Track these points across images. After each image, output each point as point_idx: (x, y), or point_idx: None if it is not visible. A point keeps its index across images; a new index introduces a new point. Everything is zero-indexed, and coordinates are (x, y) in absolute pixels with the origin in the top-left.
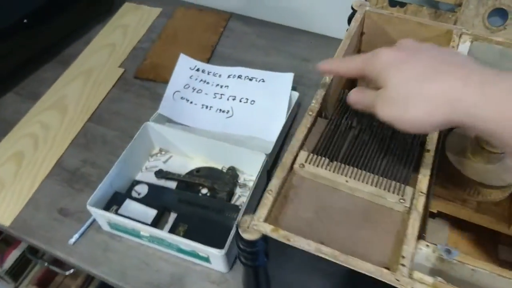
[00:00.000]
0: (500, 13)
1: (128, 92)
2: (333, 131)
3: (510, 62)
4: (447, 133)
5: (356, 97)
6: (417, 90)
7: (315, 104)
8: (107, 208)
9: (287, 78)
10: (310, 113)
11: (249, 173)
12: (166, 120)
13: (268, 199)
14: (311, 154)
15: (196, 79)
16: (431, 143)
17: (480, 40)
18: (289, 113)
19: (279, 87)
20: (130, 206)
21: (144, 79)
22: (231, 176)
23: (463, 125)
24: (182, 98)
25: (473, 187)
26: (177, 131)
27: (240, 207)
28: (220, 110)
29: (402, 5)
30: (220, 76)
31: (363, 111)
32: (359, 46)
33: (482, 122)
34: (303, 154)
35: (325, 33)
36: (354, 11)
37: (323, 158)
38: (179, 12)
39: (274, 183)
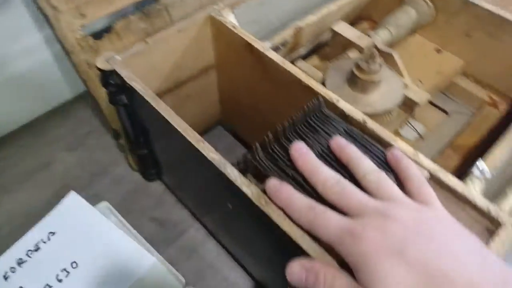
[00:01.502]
0: None
1: None
2: None
3: (270, 7)
4: None
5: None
6: None
7: None
8: None
9: (73, 201)
10: None
11: None
12: None
13: None
14: None
15: None
16: None
17: (236, 5)
18: (123, 225)
19: (74, 218)
20: None
21: None
22: None
23: None
24: None
25: None
26: None
27: None
28: None
29: (108, 30)
30: None
31: None
32: None
33: None
34: None
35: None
36: (104, 72)
37: None
38: None
39: None
